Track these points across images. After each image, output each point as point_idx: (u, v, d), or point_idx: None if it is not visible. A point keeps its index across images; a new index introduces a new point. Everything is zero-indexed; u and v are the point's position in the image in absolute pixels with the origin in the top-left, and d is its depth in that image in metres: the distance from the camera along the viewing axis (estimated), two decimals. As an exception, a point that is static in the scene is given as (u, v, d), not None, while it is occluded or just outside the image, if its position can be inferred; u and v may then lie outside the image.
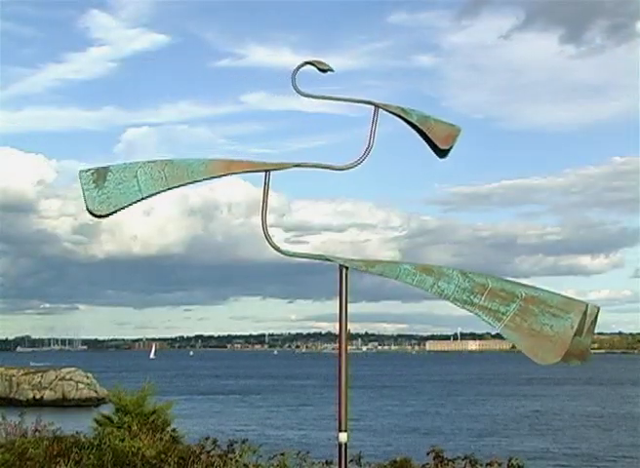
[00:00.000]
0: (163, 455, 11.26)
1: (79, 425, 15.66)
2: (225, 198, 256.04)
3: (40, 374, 56.35)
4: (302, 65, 5.49)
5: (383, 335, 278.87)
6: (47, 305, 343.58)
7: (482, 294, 4.83)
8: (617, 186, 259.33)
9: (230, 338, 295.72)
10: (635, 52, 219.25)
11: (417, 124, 5.57)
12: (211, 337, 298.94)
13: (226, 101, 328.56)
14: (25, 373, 56.99)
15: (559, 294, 4.84)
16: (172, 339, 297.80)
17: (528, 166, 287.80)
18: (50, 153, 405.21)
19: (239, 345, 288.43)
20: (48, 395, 54.57)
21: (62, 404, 51.67)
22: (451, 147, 5.63)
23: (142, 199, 5.08)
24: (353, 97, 5.67)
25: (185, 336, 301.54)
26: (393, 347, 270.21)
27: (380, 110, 5.53)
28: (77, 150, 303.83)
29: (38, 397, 54.06)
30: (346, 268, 5.25)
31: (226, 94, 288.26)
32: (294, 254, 5.44)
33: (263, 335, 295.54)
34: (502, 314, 4.79)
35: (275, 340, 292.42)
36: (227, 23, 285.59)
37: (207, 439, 12.35)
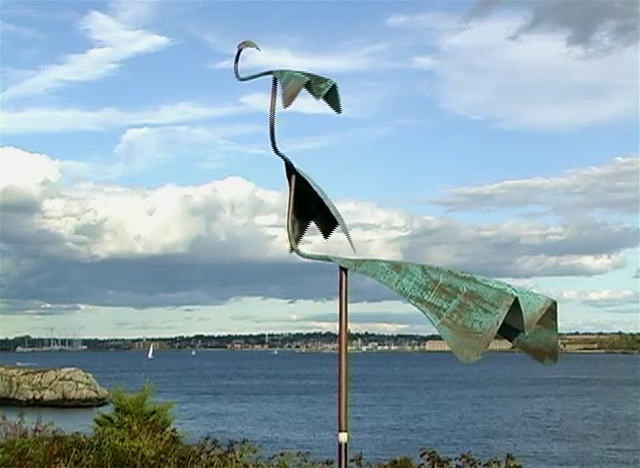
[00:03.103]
0: (163, 455, 11.26)
1: (79, 425, 15.66)
2: (228, 198, 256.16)
3: (40, 374, 56.33)
4: (241, 50, 5.60)
5: (384, 336, 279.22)
6: (48, 305, 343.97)
7: (432, 291, 4.63)
8: (619, 187, 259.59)
9: (230, 338, 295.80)
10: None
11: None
12: (211, 337, 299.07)
13: (226, 103, 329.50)
14: (25, 373, 56.97)
15: (496, 288, 4.56)
16: (172, 339, 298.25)
17: (531, 166, 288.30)
18: (52, 153, 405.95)
19: (239, 345, 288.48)
20: (48, 395, 54.54)
21: (62, 404, 51.66)
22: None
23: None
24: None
25: (185, 336, 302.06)
26: (393, 347, 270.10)
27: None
28: (78, 151, 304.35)
29: (38, 397, 54.03)
30: (345, 269, 5.26)
31: (226, 95, 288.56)
32: (309, 256, 5.41)
33: (263, 336, 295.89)
34: (443, 311, 4.55)
35: (275, 340, 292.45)
36: (227, 25, 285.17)
37: (207, 439, 12.35)
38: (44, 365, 72.33)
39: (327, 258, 5.29)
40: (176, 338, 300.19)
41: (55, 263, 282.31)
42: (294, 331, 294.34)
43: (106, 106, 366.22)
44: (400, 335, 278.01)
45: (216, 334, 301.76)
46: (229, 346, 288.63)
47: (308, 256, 5.43)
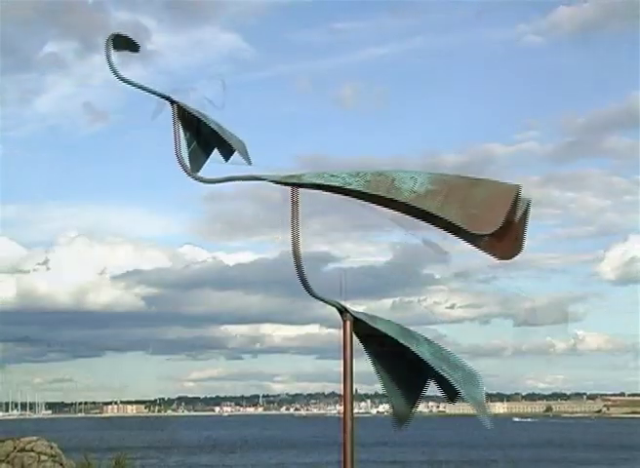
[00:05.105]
0: None
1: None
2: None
3: (-3, 444, 55.71)
4: (112, 38, 5.91)
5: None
6: None
7: (443, 361, 5.38)
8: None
9: (219, 400, 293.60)
10: None
11: (216, 130, 5.99)
12: (196, 399, 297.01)
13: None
14: (-21, 443, 56.32)
15: (466, 365, 5.49)
16: (150, 402, 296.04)
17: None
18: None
19: (229, 408, 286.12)
20: (5, 468, 53.91)
21: (22, 479, 51.00)
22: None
23: None
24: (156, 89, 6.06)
25: (167, 399, 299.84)
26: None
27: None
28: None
29: (-6, 471, 53.40)
30: (353, 319, 5.30)
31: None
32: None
33: (257, 396, 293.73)
34: (458, 381, 5.34)
35: (270, 402, 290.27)
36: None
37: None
38: (1, 433, 71.61)
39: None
40: (155, 400, 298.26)
41: None
42: (292, 392, 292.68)
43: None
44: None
45: (202, 396, 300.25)
46: (218, 410, 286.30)
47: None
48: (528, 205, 5.16)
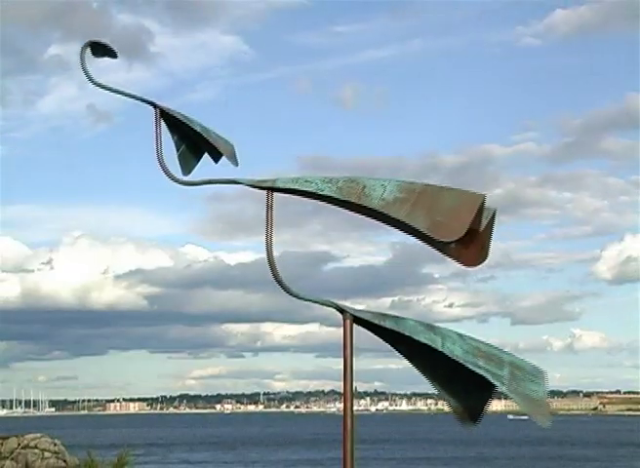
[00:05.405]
0: None
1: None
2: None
3: (0, 442, 55.70)
4: (88, 45, 5.92)
5: (395, 394, 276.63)
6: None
7: (482, 358, 5.21)
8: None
9: (220, 397, 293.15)
10: None
11: (202, 133, 5.96)
12: (198, 397, 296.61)
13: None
14: (-17, 441, 56.33)
15: (527, 361, 5.33)
16: (152, 399, 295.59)
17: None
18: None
19: (230, 405, 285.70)
20: (8, 466, 53.92)
21: (26, 475, 51.04)
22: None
23: None
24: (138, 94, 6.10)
25: (169, 396, 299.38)
26: (406, 407, 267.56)
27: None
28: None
29: (-3, 468, 53.46)
30: (353, 319, 5.28)
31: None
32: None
33: (258, 394, 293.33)
34: (502, 378, 5.20)
35: (271, 399, 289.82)
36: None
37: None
38: (5, 430, 71.69)
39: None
40: (157, 398, 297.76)
41: None
42: (292, 390, 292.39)
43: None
44: (414, 394, 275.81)
45: (203, 394, 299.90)
46: (219, 407, 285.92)
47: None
48: (494, 214, 5.27)
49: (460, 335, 5.26)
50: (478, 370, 5.11)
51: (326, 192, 5.35)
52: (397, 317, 5.33)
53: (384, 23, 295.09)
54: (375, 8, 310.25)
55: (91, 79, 5.92)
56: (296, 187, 5.42)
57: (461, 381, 5.30)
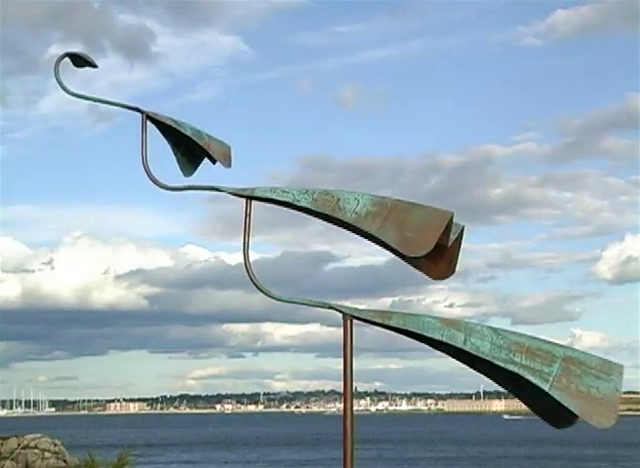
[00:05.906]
0: None
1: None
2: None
3: (0, 442, 55.67)
4: (64, 57, 5.93)
5: (395, 394, 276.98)
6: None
7: (521, 353, 4.94)
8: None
9: (220, 398, 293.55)
10: None
11: (192, 137, 5.88)
12: (198, 397, 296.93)
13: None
14: (-17, 441, 56.30)
15: (595, 356, 5.02)
16: (153, 399, 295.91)
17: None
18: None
19: (230, 406, 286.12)
20: (9, 466, 53.89)
21: (26, 476, 51.02)
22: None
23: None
24: (123, 101, 6.09)
25: (169, 396, 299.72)
26: (406, 407, 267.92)
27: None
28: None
29: (-3, 468, 53.43)
30: (353, 319, 5.22)
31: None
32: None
33: (258, 394, 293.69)
34: (547, 374, 4.89)
35: (271, 399, 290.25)
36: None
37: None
38: (5, 430, 71.70)
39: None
40: (157, 398, 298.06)
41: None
42: (292, 390, 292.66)
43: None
44: (414, 394, 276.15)
45: (203, 394, 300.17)
46: (219, 407, 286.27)
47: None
48: (462, 230, 5.42)
49: (495, 330, 5.03)
50: (511, 368, 4.89)
51: (302, 203, 5.45)
52: (408, 314, 5.22)
53: (385, 24, 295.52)
54: (375, 8, 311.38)
55: (65, 89, 5.93)
56: (273, 197, 5.52)
57: (511, 380, 5.12)
